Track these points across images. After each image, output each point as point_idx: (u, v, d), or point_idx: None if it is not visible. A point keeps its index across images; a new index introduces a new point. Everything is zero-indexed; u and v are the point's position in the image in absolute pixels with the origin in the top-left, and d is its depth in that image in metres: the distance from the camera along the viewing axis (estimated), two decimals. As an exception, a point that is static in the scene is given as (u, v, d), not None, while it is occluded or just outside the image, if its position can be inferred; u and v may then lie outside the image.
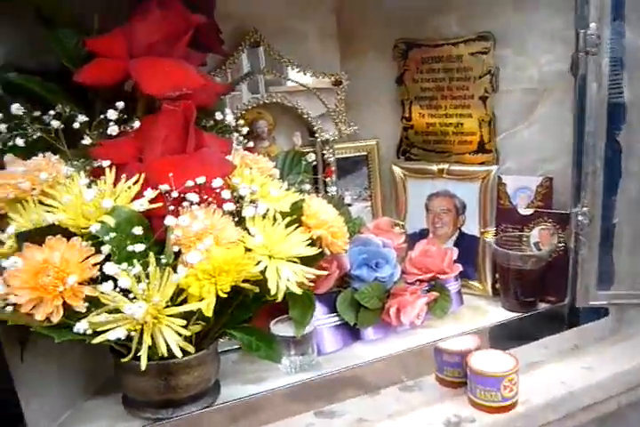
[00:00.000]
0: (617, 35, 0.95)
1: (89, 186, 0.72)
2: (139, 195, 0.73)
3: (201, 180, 0.74)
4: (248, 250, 0.76)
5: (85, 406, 0.90)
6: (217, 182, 0.76)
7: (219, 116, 0.89)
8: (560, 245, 1.09)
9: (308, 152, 1.08)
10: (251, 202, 0.80)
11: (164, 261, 0.70)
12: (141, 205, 0.71)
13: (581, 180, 1.01)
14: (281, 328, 0.95)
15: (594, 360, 1.05)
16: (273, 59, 1.15)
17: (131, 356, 0.70)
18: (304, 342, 0.95)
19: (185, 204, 0.73)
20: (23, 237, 0.67)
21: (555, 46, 1.04)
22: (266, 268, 0.76)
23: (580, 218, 1.02)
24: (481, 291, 1.19)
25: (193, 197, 0.73)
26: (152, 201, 0.73)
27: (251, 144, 0.97)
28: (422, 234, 1.24)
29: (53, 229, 0.68)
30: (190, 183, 0.73)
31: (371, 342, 1.04)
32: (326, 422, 0.90)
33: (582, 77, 0.97)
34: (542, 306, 1.12)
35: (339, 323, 1.02)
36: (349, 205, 1.25)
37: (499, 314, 1.13)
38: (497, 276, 1.16)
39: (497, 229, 1.16)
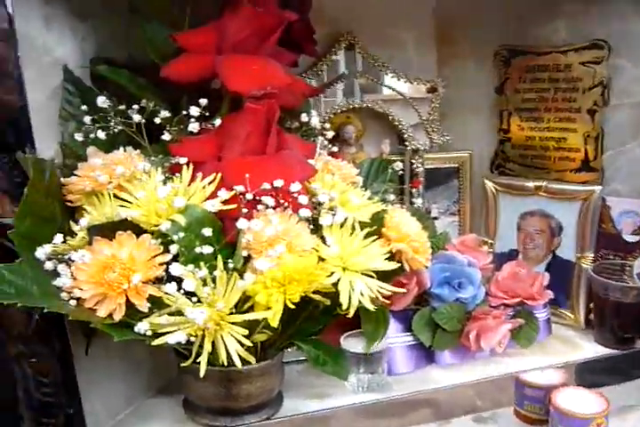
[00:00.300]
0: None
1: (164, 183, 0.71)
2: (213, 195, 0.71)
3: (278, 183, 0.71)
4: (321, 260, 0.72)
5: (146, 405, 0.89)
6: (295, 186, 0.72)
7: (304, 118, 0.86)
8: (668, 278, 0.99)
9: (395, 160, 1.02)
10: (329, 209, 0.76)
11: (231, 265, 0.66)
12: (213, 205, 0.68)
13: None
14: (352, 343, 0.90)
15: (697, 409, 0.94)
16: (367, 62, 1.11)
17: (190, 360, 0.68)
18: (375, 360, 0.90)
19: (260, 207, 0.70)
20: (95, 231, 0.66)
21: (679, 57, 0.95)
22: (339, 280, 0.72)
23: (694, 249, 0.92)
24: (572, 321, 1.09)
25: (268, 200, 0.70)
26: (226, 202, 0.70)
27: (335, 149, 0.93)
28: (511, 255, 1.16)
29: (124, 225, 0.66)
30: (267, 186, 0.70)
31: (446, 366, 0.98)
32: (391, 448, 0.85)
33: None
34: (642, 344, 1.02)
35: (413, 343, 0.96)
36: (435, 218, 1.19)
37: (590, 348, 1.03)
38: (592, 306, 1.07)
39: (596, 256, 1.06)
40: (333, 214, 0.75)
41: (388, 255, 0.79)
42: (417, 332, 0.95)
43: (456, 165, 1.21)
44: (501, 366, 0.98)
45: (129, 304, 0.64)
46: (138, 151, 0.76)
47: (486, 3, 1.11)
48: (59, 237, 0.67)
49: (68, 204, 0.73)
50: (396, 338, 0.95)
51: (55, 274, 0.66)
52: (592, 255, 1.07)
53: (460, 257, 0.99)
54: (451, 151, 1.20)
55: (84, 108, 0.74)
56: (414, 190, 1.15)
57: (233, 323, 0.66)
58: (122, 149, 0.76)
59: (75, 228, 0.69)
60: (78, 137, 0.74)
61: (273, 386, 0.83)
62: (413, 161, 1.15)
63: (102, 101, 0.74)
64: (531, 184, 1.12)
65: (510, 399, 0.93)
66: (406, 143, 1.14)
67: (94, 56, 0.81)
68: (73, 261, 0.65)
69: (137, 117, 0.73)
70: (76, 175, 0.73)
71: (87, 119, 0.74)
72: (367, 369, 0.90)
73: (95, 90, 0.77)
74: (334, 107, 1.08)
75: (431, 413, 0.91)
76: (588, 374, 0.97)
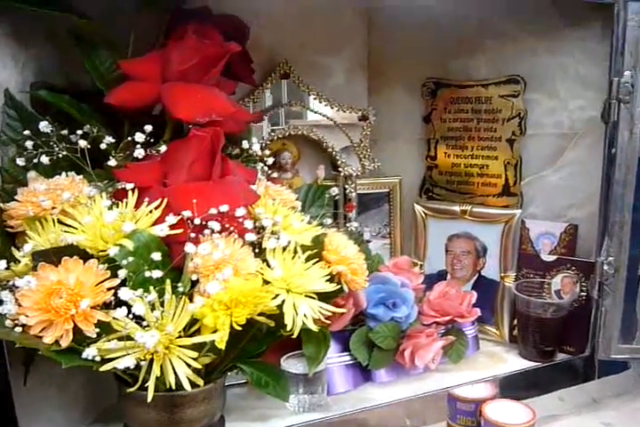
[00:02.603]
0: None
1: (110, 208, 0.71)
2: (160, 220, 0.71)
3: (224, 208, 0.73)
4: (266, 282, 0.74)
5: (84, 435, 0.88)
6: (240, 211, 0.74)
7: (245, 144, 0.88)
8: (582, 294, 1.06)
9: (332, 186, 1.06)
10: (272, 233, 0.79)
11: (180, 289, 0.67)
12: (162, 230, 0.69)
13: (607, 229, 0.99)
14: (292, 365, 0.92)
15: (614, 416, 1.01)
16: (301, 91, 1.15)
17: (137, 386, 0.67)
18: (315, 380, 0.92)
19: (206, 231, 0.72)
20: (39, 257, 0.65)
21: (586, 92, 1.04)
22: (283, 302, 0.74)
23: (605, 267, 1.00)
24: (497, 337, 1.16)
25: (214, 225, 0.72)
26: (173, 227, 0.71)
27: (275, 175, 0.96)
28: (441, 275, 1.22)
29: (70, 250, 0.66)
30: (213, 211, 0.71)
31: (382, 384, 1.01)
32: (332, 466, 0.87)
33: (614, 125, 0.97)
34: (561, 356, 1.09)
35: (350, 362, 1.00)
36: (368, 241, 1.23)
37: (515, 362, 1.10)
38: (515, 322, 1.13)
39: (518, 275, 1.14)
40: (277, 238, 0.77)
41: (328, 277, 0.81)
42: (354, 351, 0.99)
43: (387, 190, 1.26)
44: (434, 382, 1.02)
45: (75, 330, 0.64)
46: (81, 177, 0.76)
47: (415, 37, 1.18)
48: (2, 264, 0.65)
49: (9, 229, 0.72)
50: (334, 358, 0.98)
51: (-3, 302, 0.64)
52: (514, 274, 1.14)
53: (393, 278, 1.03)
54: (381, 177, 1.25)
55: (26, 132, 0.73)
56: (349, 215, 1.19)
57: (181, 346, 0.67)
58: (64, 174, 0.76)
59: (18, 254, 0.68)
60: (20, 162, 0.73)
61: (215, 410, 0.83)
62: (346, 186, 1.19)
63: (45, 126, 0.74)
64: (457, 208, 1.19)
65: (443, 414, 0.97)
66: (339, 169, 1.18)
67: (34, 81, 0.80)
68: (17, 287, 0.64)
69: (83, 143, 0.73)
70: (16, 200, 0.72)
71: (29, 144, 0.74)
72: (307, 390, 0.92)
73: (37, 115, 0.76)
74: (270, 133, 1.11)
75: (369, 430, 0.94)
76: (514, 387, 1.02)
